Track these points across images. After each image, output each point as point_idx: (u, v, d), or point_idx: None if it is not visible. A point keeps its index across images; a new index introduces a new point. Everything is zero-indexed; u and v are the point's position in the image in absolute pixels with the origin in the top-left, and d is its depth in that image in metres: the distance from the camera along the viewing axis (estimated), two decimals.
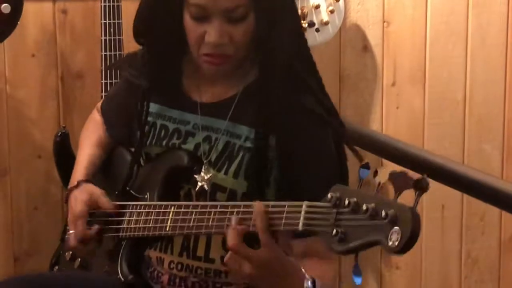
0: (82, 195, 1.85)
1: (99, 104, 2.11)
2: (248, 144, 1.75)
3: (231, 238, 1.51)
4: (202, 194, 1.77)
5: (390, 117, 3.13)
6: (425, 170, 2.29)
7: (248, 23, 1.70)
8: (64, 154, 2.34)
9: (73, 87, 2.86)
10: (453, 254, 3.26)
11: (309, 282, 1.51)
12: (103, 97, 2.51)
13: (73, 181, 1.92)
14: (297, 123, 1.74)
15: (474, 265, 3.28)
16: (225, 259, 1.53)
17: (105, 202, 1.82)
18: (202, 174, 1.76)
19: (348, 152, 1.84)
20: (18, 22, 2.46)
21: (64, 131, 2.37)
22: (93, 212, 1.84)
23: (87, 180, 1.90)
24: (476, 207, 3.18)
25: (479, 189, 2.18)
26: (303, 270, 1.53)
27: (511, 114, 3.22)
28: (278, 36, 1.72)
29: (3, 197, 2.84)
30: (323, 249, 1.51)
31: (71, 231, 1.85)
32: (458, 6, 3.12)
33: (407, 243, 1.27)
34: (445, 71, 3.15)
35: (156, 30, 1.78)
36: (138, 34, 1.83)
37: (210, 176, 1.75)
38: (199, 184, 1.76)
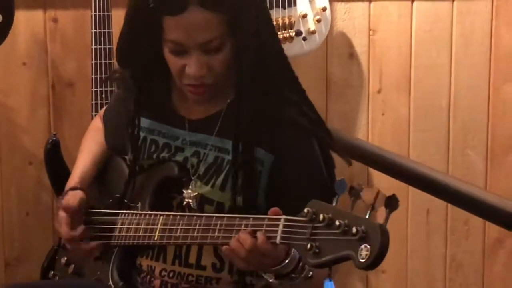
0: (65, 201, 1.92)
1: (102, 111, 2.14)
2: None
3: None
4: (191, 208, 1.81)
5: (376, 123, 3.14)
6: (409, 179, 2.37)
7: (225, 52, 1.73)
8: (54, 161, 2.34)
9: (64, 95, 2.87)
10: (438, 258, 3.26)
11: (296, 254, 1.56)
12: (94, 105, 2.57)
13: (66, 188, 1.97)
14: (278, 134, 1.77)
15: (459, 268, 3.28)
16: (224, 248, 1.61)
17: (71, 205, 1.89)
18: (189, 190, 1.81)
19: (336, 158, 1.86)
20: (9, 32, 2.48)
21: (55, 138, 2.37)
22: (89, 218, 1.91)
23: (75, 188, 1.95)
24: (461, 212, 2.97)
25: (462, 199, 2.21)
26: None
27: (495, 120, 3.23)
28: (254, 54, 1.74)
29: None
30: None
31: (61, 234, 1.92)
32: (443, 14, 3.13)
33: (375, 259, 1.32)
34: (430, 78, 3.15)
35: (138, 59, 1.82)
36: (121, 61, 1.87)
37: (197, 194, 1.80)
38: (186, 200, 1.80)
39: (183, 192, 1.81)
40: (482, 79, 3.19)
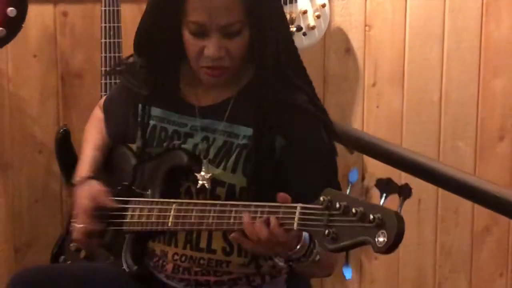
0: (87, 191, 1.91)
1: (101, 101, 2.16)
2: (245, 141, 1.81)
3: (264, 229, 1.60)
4: (202, 191, 1.82)
5: (371, 115, 3.16)
6: (403, 166, 2.41)
7: (243, 37, 1.77)
8: (65, 150, 2.37)
9: (73, 86, 2.87)
10: (428, 245, 3.28)
11: (307, 239, 1.59)
12: (103, 96, 2.55)
13: (78, 176, 1.98)
14: (292, 121, 1.79)
15: (448, 255, 3.31)
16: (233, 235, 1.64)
17: (108, 201, 1.88)
18: (202, 173, 1.82)
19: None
20: (23, 25, 2.49)
21: (66, 128, 2.40)
22: (98, 207, 1.89)
23: (91, 177, 1.96)
24: (450, 201, 3.21)
25: (453, 184, 2.22)
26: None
27: (484, 114, 3.26)
28: (271, 45, 1.78)
29: (5, 190, 2.84)
30: None
31: (76, 225, 1.90)
32: (435, 11, 3.16)
33: (393, 245, 1.38)
34: (423, 73, 3.18)
35: (156, 45, 1.84)
36: (139, 49, 1.89)
37: (211, 175, 1.81)
38: (200, 182, 1.82)
39: (196, 176, 1.82)
40: (472, 74, 3.22)
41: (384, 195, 1.42)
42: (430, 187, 2.97)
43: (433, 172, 2.28)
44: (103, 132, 2.09)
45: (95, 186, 1.92)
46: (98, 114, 2.14)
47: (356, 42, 3.12)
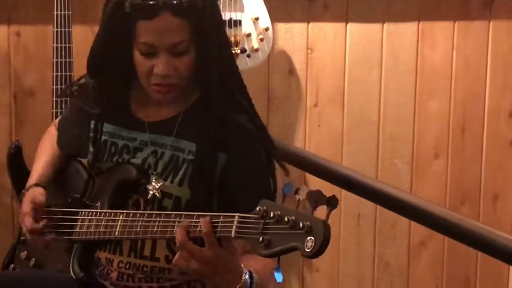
0: (29, 195, 1.99)
1: (56, 120, 2.21)
2: (191, 157, 1.84)
3: (180, 235, 1.58)
4: (151, 202, 1.85)
5: (313, 134, 3.17)
6: (343, 184, 2.44)
7: (190, 56, 1.83)
8: (16, 164, 2.36)
9: (25, 104, 2.88)
10: (367, 258, 3.30)
11: (247, 275, 1.60)
12: (54, 113, 2.60)
13: (27, 185, 2.04)
14: (233, 139, 1.83)
15: (386, 268, 3.33)
16: (174, 259, 1.61)
17: (38, 200, 1.95)
18: (153, 183, 1.85)
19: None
20: None
21: (17, 143, 2.39)
22: (49, 216, 1.96)
23: (37, 184, 2.02)
24: (388, 215, 3.19)
25: (390, 201, 2.25)
26: (242, 266, 1.61)
27: (419, 133, 3.27)
28: (215, 64, 1.84)
29: None
30: None
31: (23, 227, 1.97)
32: (374, 36, 3.21)
33: (319, 249, 1.41)
34: (362, 94, 3.20)
35: (108, 65, 1.88)
36: (92, 70, 1.93)
37: (160, 185, 1.85)
38: (151, 192, 1.85)
39: (146, 187, 1.84)
40: (408, 95, 3.24)
41: (314, 205, 1.47)
42: (369, 203, 2.82)
43: (371, 190, 2.31)
44: (55, 148, 2.14)
45: (36, 190, 1.99)
46: (52, 131, 2.19)
47: (298, 64, 3.15)
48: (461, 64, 3.29)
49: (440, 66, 3.27)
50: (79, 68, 2.19)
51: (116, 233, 1.80)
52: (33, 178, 2.06)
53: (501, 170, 3.37)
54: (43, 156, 2.12)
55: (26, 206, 1.98)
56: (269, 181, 1.87)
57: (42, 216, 1.97)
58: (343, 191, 2.59)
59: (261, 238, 1.47)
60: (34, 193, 1.99)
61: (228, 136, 1.84)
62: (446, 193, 3.34)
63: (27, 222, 1.96)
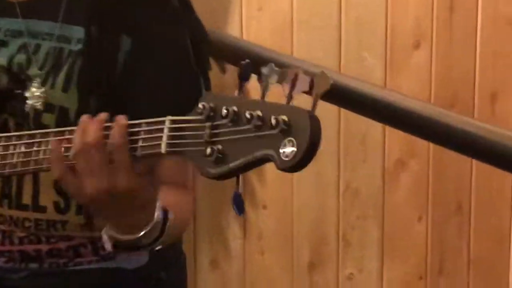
0: None
1: None
2: (80, 47, 1.62)
3: (78, 135, 1.32)
4: (25, 120, 1.61)
5: (251, 20, 2.86)
6: None
7: None
8: None
9: None
10: (330, 186, 3.05)
11: (160, 214, 1.42)
12: None
13: None
14: (141, 14, 1.64)
15: (355, 197, 3.09)
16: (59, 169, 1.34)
17: None
18: (32, 89, 1.62)
19: None
20: None
21: None
22: None
23: None
24: (356, 127, 2.97)
25: (358, 101, 2.14)
26: (158, 201, 1.42)
27: (395, 14, 3.01)
28: None
29: None
30: (181, 176, 1.54)
31: None
32: None
33: (305, 155, 1.15)
34: None
35: None
36: None
37: (44, 91, 1.61)
38: (29, 103, 1.61)
39: (25, 96, 1.62)
40: None
41: (290, 91, 1.18)
42: (329, 109, 2.74)
43: (332, 87, 2.16)
44: None
45: None
46: None
47: None
48: None
49: None
50: None
51: None
52: None
53: (501, 60, 3.17)
54: None
55: None
56: (197, 79, 1.67)
57: None
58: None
59: (209, 150, 1.25)
60: None
61: (134, 11, 1.64)
62: (430, 93, 3.11)
63: None
